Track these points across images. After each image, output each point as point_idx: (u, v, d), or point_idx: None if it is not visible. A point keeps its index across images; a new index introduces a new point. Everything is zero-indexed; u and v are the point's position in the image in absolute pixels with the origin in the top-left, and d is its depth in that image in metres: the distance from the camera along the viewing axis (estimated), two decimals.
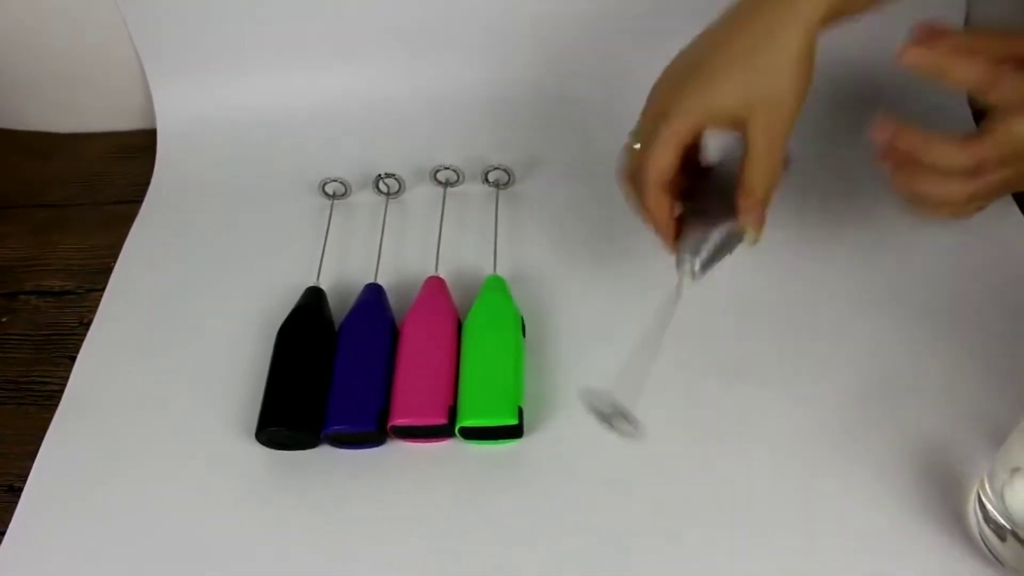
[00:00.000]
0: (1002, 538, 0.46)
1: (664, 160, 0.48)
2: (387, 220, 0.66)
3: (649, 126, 0.49)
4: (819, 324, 0.58)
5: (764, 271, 0.60)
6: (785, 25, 0.45)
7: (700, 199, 0.52)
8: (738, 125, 0.46)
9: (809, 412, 0.54)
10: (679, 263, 0.51)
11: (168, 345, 0.61)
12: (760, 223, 0.49)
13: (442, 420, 0.52)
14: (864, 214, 0.63)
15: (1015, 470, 0.44)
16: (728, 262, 0.51)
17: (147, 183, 0.72)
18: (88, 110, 0.78)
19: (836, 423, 0.53)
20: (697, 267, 0.50)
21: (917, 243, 0.61)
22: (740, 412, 0.54)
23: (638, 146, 0.50)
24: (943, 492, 0.49)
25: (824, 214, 0.64)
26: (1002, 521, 0.45)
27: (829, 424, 0.53)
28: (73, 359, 0.60)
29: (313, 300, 0.59)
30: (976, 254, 0.61)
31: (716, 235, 0.50)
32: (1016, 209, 0.63)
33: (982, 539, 0.47)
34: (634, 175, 0.50)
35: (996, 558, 0.47)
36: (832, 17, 0.45)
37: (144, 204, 0.70)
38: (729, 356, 0.56)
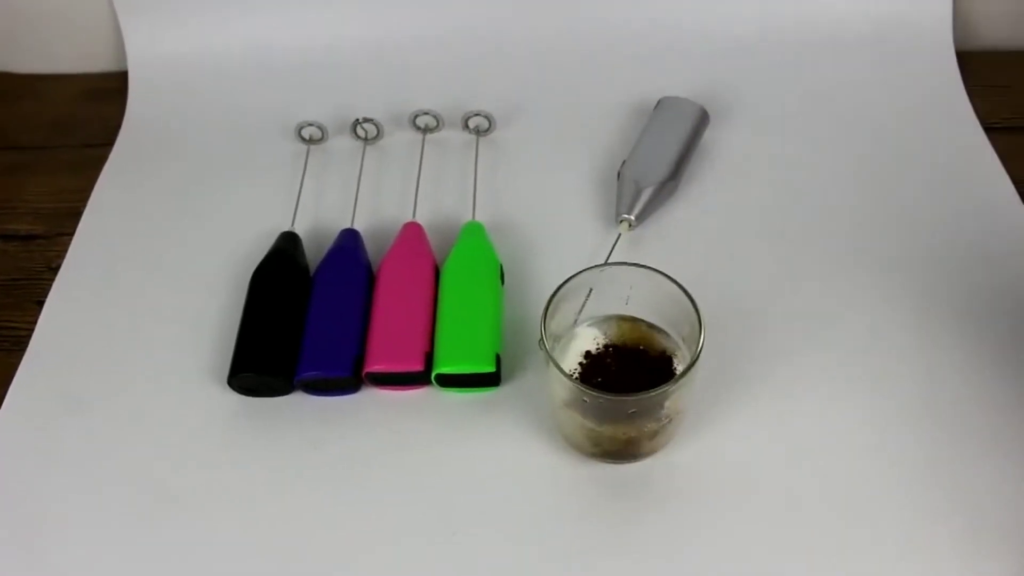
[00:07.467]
0: None
1: None
2: (364, 165, 0.64)
3: None
4: None
5: None
6: None
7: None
8: None
9: None
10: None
11: (139, 290, 0.59)
12: None
13: (418, 367, 0.51)
14: None
15: None
16: None
17: (118, 126, 0.70)
18: (58, 51, 0.76)
19: None
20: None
21: None
22: None
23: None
24: None
25: None
26: None
27: None
28: (41, 304, 0.59)
29: (288, 245, 0.57)
30: None
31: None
32: None
33: None
34: None
35: None
36: None
37: (115, 147, 0.68)
38: None
